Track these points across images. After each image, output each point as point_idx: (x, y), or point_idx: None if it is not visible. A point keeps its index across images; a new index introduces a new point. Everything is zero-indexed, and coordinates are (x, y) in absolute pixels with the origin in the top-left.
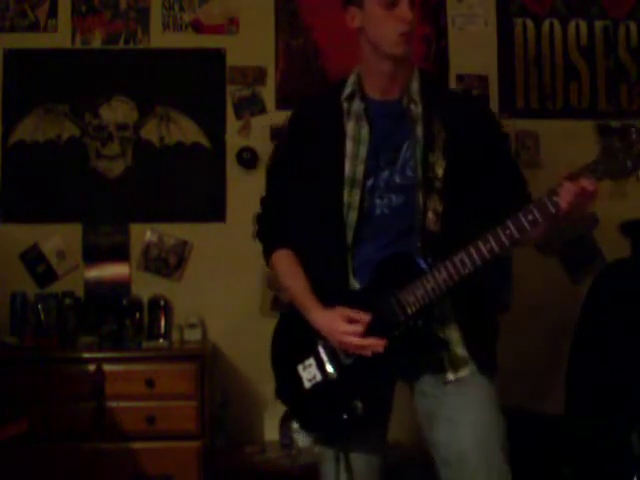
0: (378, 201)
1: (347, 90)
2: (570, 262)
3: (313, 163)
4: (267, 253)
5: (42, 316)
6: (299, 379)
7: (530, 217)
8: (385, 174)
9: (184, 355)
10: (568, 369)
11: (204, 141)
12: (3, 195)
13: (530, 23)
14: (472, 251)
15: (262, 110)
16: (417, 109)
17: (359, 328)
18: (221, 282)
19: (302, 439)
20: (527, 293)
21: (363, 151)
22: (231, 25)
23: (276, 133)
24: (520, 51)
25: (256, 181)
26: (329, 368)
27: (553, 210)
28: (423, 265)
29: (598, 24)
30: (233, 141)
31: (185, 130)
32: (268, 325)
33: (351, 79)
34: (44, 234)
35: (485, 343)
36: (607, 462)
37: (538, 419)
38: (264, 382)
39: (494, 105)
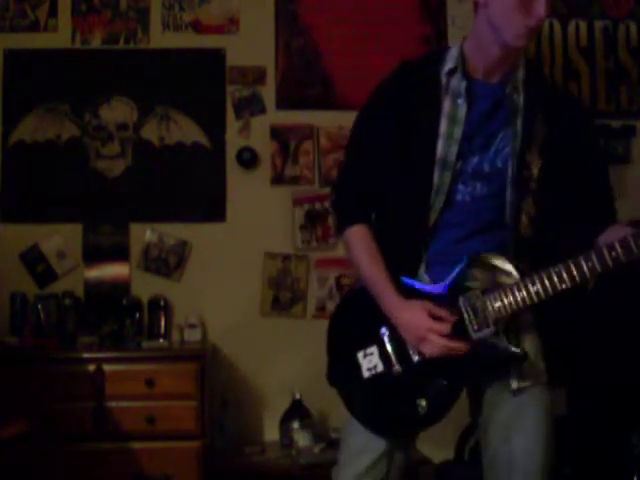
0: (462, 187)
1: (448, 64)
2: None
3: (404, 138)
4: (342, 226)
5: (42, 316)
6: (357, 366)
7: None
8: (475, 160)
9: (184, 355)
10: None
11: (204, 141)
12: (3, 195)
13: None
14: (572, 267)
15: (262, 110)
16: (519, 99)
17: (445, 327)
18: (221, 282)
19: (303, 439)
20: None
21: (458, 132)
22: (231, 25)
23: (278, 130)
24: None
25: (256, 181)
26: (395, 361)
27: None
28: (515, 272)
29: (598, 24)
30: (233, 141)
31: (185, 130)
32: (268, 325)
33: (453, 52)
34: (44, 234)
35: (563, 354)
36: (607, 462)
37: None
38: (264, 382)
39: None
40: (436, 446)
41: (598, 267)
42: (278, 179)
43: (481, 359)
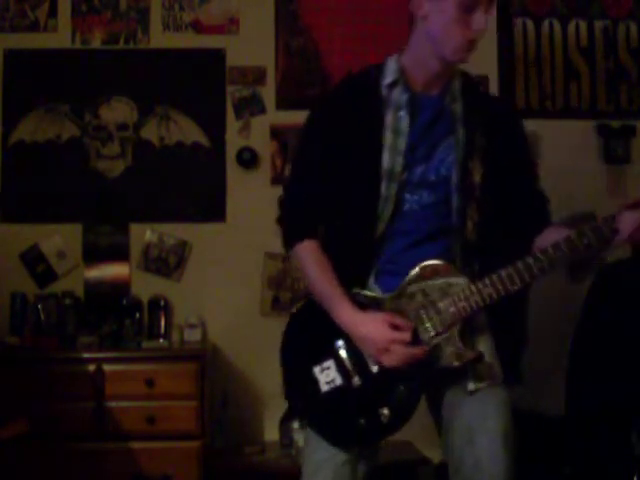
0: (408, 196)
1: (388, 78)
2: (570, 262)
3: (348, 151)
4: (290, 241)
5: (42, 316)
6: (314, 381)
7: (585, 240)
8: (419, 169)
9: (184, 355)
10: (568, 369)
11: (204, 141)
12: (3, 195)
13: (530, 23)
14: (521, 268)
15: (262, 110)
16: (458, 108)
17: (407, 336)
18: (221, 282)
19: (303, 439)
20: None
21: (402, 143)
22: (231, 25)
23: (278, 130)
24: (520, 51)
25: (256, 181)
26: (353, 373)
27: (609, 235)
28: (463, 276)
29: (598, 24)
30: (233, 141)
31: (185, 130)
32: (268, 325)
33: (391, 66)
34: (44, 234)
35: (516, 352)
36: (607, 462)
37: (538, 419)
38: (264, 382)
39: None
40: (436, 446)
41: (547, 267)
42: (278, 179)
43: (438, 363)
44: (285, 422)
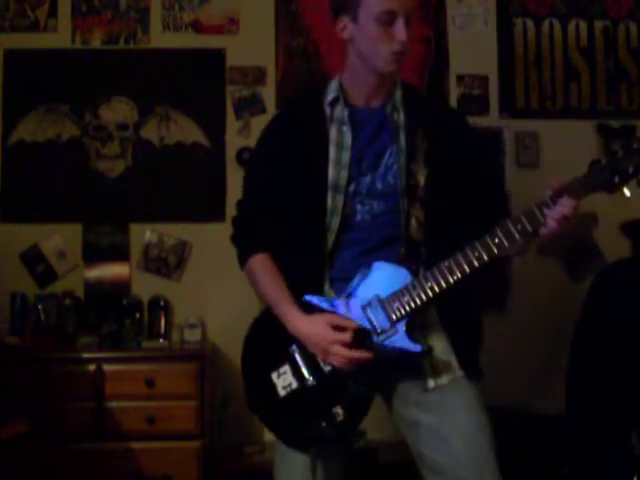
0: (359, 207)
1: (330, 96)
2: (570, 262)
3: (295, 167)
4: (243, 257)
5: (42, 316)
6: (273, 387)
7: (519, 226)
8: (367, 180)
9: (184, 355)
10: (568, 369)
11: (204, 141)
12: (3, 195)
13: (530, 23)
14: (460, 259)
15: (262, 110)
16: (400, 117)
17: (347, 336)
18: (221, 282)
19: None
20: (527, 293)
21: (346, 156)
22: (231, 25)
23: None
24: (520, 51)
25: None
26: (307, 375)
27: (542, 220)
28: (407, 272)
29: (598, 24)
30: (233, 141)
31: (185, 130)
32: None
33: (333, 85)
34: (44, 234)
35: (471, 347)
36: (607, 462)
37: (538, 419)
38: None
39: (494, 105)
40: None
41: (484, 255)
42: None
43: (388, 360)
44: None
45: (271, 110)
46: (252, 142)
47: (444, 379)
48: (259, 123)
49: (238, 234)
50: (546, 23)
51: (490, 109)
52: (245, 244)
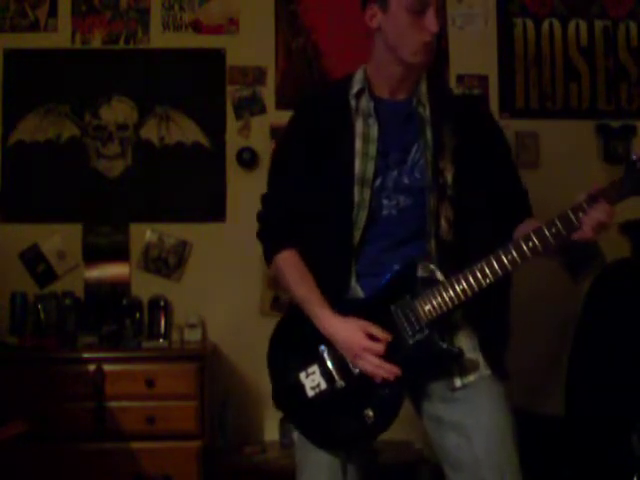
0: (386, 202)
1: (355, 87)
2: (570, 262)
3: (321, 161)
4: (270, 253)
5: (42, 316)
6: (301, 387)
7: (554, 230)
8: (394, 174)
9: (184, 355)
10: (568, 369)
11: (204, 141)
12: (3, 195)
13: (530, 23)
14: (493, 261)
15: (262, 110)
16: (425, 112)
17: (380, 347)
18: (221, 282)
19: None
20: (527, 293)
21: (372, 150)
22: (231, 25)
23: (278, 130)
24: (520, 51)
25: (256, 181)
26: (337, 377)
27: (577, 225)
28: (440, 274)
29: (598, 24)
30: (233, 141)
31: (185, 130)
32: (268, 325)
33: (358, 76)
34: (44, 234)
35: (498, 346)
36: (607, 462)
37: (538, 419)
38: (264, 382)
39: (494, 105)
40: None
41: (518, 259)
42: None
43: (419, 362)
44: (285, 422)
45: (271, 110)
46: (252, 142)
47: (471, 377)
48: (259, 123)
49: (264, 230)
50: (546, 23)
51: (490, 109)
52: (272, 240)
